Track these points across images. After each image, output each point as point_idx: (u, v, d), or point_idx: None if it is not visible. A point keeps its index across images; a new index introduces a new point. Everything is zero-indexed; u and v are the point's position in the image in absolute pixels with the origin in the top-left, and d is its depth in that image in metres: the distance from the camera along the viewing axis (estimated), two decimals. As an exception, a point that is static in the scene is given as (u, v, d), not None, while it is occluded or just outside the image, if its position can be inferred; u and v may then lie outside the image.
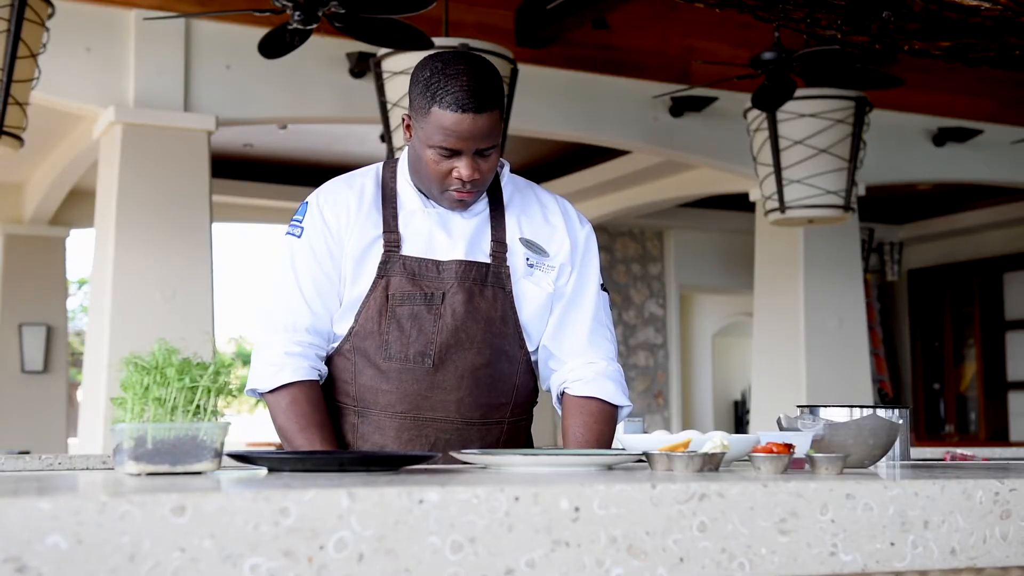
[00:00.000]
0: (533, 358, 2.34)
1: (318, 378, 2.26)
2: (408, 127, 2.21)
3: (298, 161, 9.00)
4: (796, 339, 7.48)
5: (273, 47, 4.73)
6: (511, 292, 2.26)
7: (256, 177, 9.20)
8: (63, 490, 1.19)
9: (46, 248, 9.06)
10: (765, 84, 5.47)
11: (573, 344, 2.32)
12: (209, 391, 1.50)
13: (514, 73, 5.48)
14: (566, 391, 2.33)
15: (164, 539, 1.07)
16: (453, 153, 2.13)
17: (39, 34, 4.39)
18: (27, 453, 3.83)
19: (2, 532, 1.03)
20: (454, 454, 1.85)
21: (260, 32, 5.95)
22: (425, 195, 2.26)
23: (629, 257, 10.83)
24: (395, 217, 2.25)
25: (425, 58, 2.19)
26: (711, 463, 1.62)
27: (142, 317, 5.68)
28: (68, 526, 1.05)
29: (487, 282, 2.24)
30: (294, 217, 2.30)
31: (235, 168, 8.89)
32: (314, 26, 4.49)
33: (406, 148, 2.31)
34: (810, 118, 6.17)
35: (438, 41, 5.04)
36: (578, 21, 6.30)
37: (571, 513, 1.22)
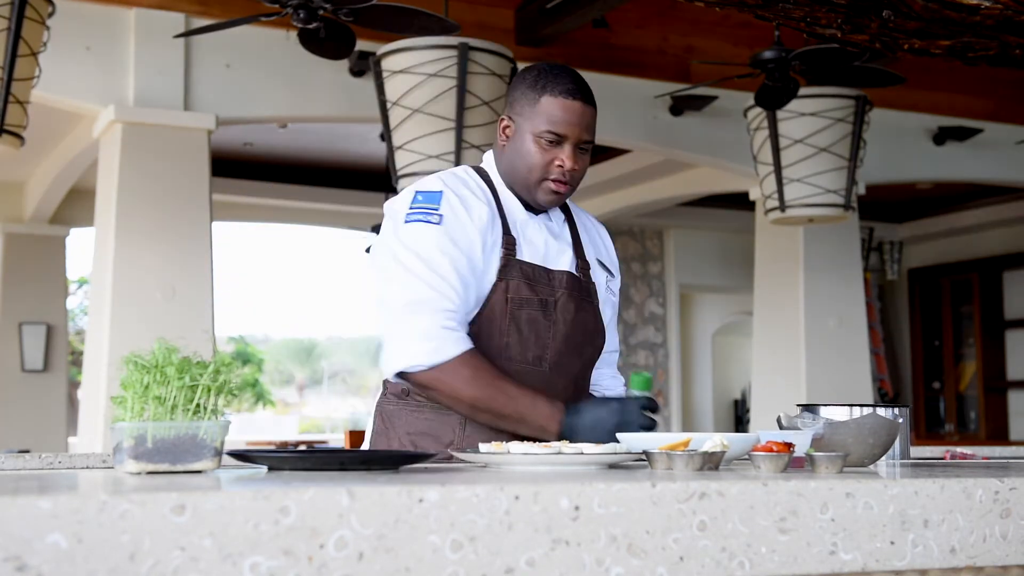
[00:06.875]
0: None
1: None
2: (505, 129, 2.32)
3: (298, 160, 9.00)
4: (796, 338, 7.49)
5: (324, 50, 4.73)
6: (599, 306, 2.39)
7: (256, 176, 9.20)
8: (63, 489, 1.19)
9: (46, 247, 9.06)
10: (768, 83, 5.47)
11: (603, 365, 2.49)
12: (209, 390, 1.50)
13: (514, 72, 5.47)
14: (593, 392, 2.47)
15: (164, 538, 1.07)
16: (558, 141, 2.25)
17: (39, 33, 4.39)
18: (27, 452, 3.83)
19: (2, 531, 1.03)
20: (454, 453, 1.85)
21: (260, 32, 5.96)
22: (519, 197, 2.33)
23: (629, 256, 10.83)
24: (507, 221, 2.31)
25: (525, 68, 2.35)
26: (711, 462, 1.62)
27: (142, 316, 5.68)
28: (68, 525, 1.05)
29: (584, 295, 2.35)
30: (422, 205, 2.23)
31: (235, 167, 8.90)
32: (315, 24, 4.49)
33: (488, 158, 2.38)
34: (810, 117, 6.17)
35: (438, 39, 5.04)
36: (578, 20, 6.30)
37: (571, 512, 1.22)
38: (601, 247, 2.49)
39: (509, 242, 2.28)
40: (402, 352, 2.16)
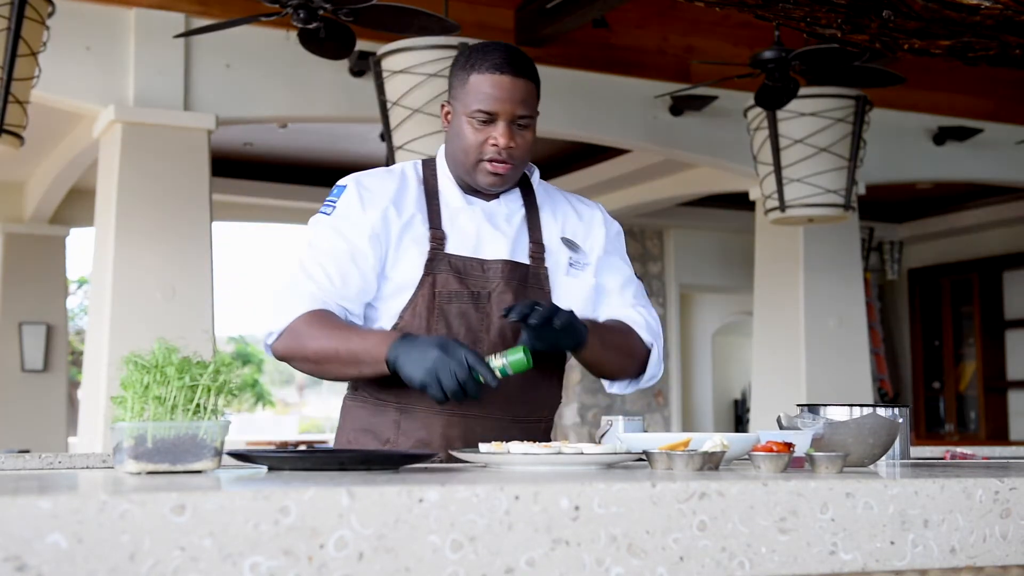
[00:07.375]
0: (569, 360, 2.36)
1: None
2: (447, 115, 2.26)
3: (298, 160, 9.00)
4: (796, 338, 7.48)
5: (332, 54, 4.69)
6: (549, 293, 2.28)
7: (256, 176, 9.19)
8: (63, 489, 1.19)
9: (46, 247, 9.06)
10: (768, 83, 5.47)
11: (616, 308, 2.37)
12: (209, 390, 1.50)
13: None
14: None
15: (164, 538, 1.07)
16: (490, 119, 2.17)
17: (39, 32, 4.39)
18: (27, 452, 3.83)
19: (2, 531, 1.03)
20: (454, 453, 1.85)
21: (260, 32, 5.96)
22: (462, 186, 2.27)
23: (629, 256, 10.77)
24: (438, 214, 2.25)
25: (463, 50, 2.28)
26: (711, 462, 1.62)
27: (142, 316, 5.68)
28: (68, 525, 1.05)
29: (528, 283, 2.26)
30: (329, 198, 2.29)
31: (235, 167, 8.89)
32: (315, 24, 4.49)
33: (442, 146, 2.34)
34: (810, 117, 6.17)
35: (438, 39, 5.04)
36: (578, 20, 6.29)
37: (571, 512, 1.22)
38: (574, 223, 2.36)
39: (436, 236, 2.22)
40: (264, 329, 2.23)
